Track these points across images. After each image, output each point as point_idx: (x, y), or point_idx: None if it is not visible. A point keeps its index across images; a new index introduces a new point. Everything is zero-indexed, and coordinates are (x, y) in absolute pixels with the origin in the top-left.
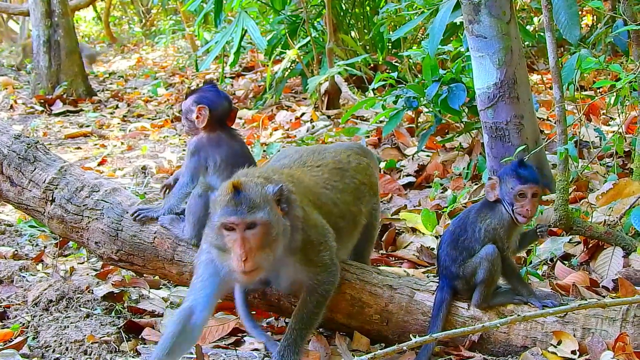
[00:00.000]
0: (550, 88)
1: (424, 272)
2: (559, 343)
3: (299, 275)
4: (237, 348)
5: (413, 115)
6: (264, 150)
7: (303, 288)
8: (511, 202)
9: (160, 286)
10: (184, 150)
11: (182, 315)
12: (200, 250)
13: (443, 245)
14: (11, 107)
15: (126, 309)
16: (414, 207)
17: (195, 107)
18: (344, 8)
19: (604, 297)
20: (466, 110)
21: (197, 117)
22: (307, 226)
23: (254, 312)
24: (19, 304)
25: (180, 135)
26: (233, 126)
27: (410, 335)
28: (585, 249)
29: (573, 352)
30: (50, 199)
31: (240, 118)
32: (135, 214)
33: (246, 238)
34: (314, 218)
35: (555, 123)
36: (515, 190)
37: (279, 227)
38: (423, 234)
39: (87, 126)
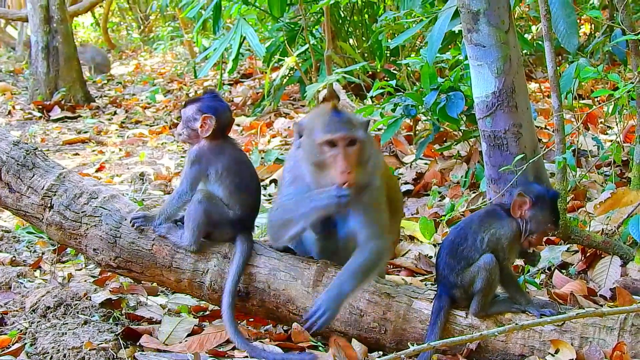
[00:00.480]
0: (549, 96)
1: (422, 280)
2: (557, 352)
3: (359, 226)
4: (234, 355)
5: (411, 123)
6: (262, 158)
7: (356, 245)
8: (536, 231)
9: (158, 293)
10: (182, 156)
11: None
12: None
13: (442, 254)
14: (9, 112)
15: (124, 316)
16: (412, 215)
17: (200, 116)
18: (343, 16)
19: (601, 306)
20: (464, 118)
21: (202, 127)
22: (379, 194)
23: (252, 319)
24: (17, 311)
25: (178, 142)
26: (230, 134)
27: (409, 343)
28: (583, 258)
29: None
30: (49, 205)
31: (238, 125)
32: (133, 223)
33: (347, 153)
34: (382, 183)
35: (553, 132)
36: (547, 227)
37: (371, 150)
38: (421, 242)
39: (85, 132)
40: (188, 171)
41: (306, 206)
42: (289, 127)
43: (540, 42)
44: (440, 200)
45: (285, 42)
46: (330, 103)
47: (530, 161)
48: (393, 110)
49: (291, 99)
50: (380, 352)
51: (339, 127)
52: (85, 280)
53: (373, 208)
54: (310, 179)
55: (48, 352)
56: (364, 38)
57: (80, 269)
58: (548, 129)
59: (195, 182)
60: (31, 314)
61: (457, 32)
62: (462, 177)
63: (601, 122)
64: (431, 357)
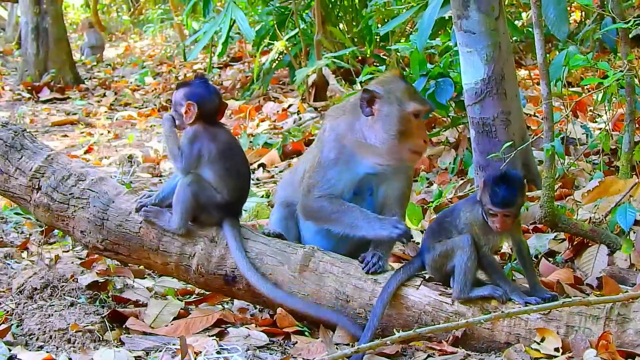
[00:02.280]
0: (538, 83)
1: None
2: (542, 340)
3: (392, 201)
4: (221, 339)
5: None
6: (251, 142)
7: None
8: (487, 213)
9: (145, 276)
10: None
11: None
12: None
13: (431, 224)
14: None
15: (110, 298)
16: None
17: (185, 102)
18: (333, 0)
19: (588, 294)
20: (453, 105)
21: (186, 113)
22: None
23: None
24: (4, 292)
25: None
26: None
27: (394, 329)
28: (570, 246)
29: (556, 350)
30: (37, 187)
31: (228, 108)
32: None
33: (424, 124)
34: None
35: (542, 119)
36: (486, 207)
37: None
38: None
39: (74, 114)
40: (187, 149)
41: (358, 222)
42: (277, 111)
43: (530, 29)
44: (428, 187)
45: (275, 26)
46: (395, 71)
47: (519, 148)
48: None
49: (280, 83)
50: None
51: (422, 97)
52: (72, 262)
53: (408, 182)
54: (383, 149)
55: (34, 334)
56: (354, 23)
57: (68, 251)
58: (537, 117)
59: (194, 161)
60: (18, 295)
61: (447, 18)
62: (450, 163)
63: (590, 110)
64: (377, 328)
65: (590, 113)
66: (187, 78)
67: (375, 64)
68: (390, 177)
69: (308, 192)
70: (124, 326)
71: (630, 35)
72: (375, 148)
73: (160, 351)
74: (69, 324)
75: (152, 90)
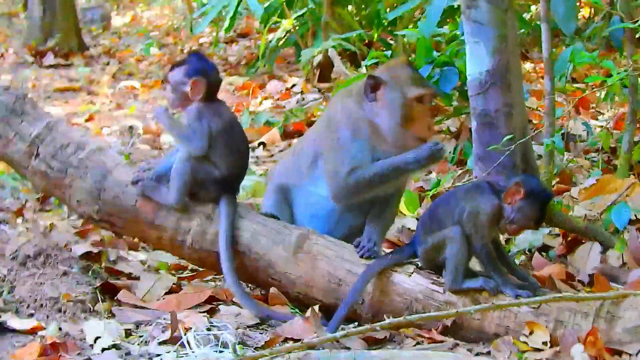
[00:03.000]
0: (542, 77)
1: None
2: (531, 333)
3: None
4: (211, 316)
5: None
6: (252, 119)
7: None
8: (518, 221)
9: (139, 249)
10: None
11: None
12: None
13: (423, 214)
14: (1, 55)
15: (103, 270)
16: None
17: (189, 79)
18: None
19: (579, 291)
20: (457, 94)
21: (193, 89)
22: None
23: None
24: None
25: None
26: (222, 93)
27: (385, 315)
28: (564, 242)
29: (544, 343)
30: (35, 153)
31: (231, 84)
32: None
33: (431, 109)
34: None
35: (544, 114)
36: (528, 224)
37: None
38: (405, 215)
39: (77, 81)
40: (198, 126)
41: (398, 165)
42: (281, 90)
43: (538, 23)
44: (426, 175)
45: (284, 4)
46: (403, 58)
47: (519, 142)
48: None
49: (286, 62)
50: (356, 323)
51: (427, 82)
52: (67, 231)
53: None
54: (388, 135)
55: (25, 301)
56: (362, 6)
57: (63, 219)
58: (539, 111)
59: (208, 137)
60: (11, 261)
61: (456, 6)
62: (450, 152)
63: (593, 108)
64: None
65: (593, 110)
66: (193, 50)
67: (381, 48)
68: None
69: (336, 174)
70: (115, 298)
71: (636, 36)
72: (382, 132)
73: (151, 325)
74: (60, 293)
75: (157, 62)
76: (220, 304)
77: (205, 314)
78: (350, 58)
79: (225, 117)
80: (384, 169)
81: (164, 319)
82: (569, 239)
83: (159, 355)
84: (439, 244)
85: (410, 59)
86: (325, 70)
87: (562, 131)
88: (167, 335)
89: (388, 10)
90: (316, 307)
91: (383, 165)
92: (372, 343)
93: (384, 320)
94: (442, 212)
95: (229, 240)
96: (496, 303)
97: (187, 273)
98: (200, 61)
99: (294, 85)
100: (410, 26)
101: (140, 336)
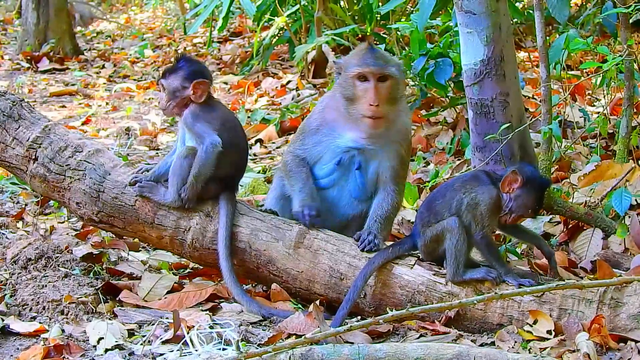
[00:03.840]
0: (537, 66)
1: None
2: (535, 322)
3: (387, 173)
4: (214, 314)
5: None
6: (248, 117)
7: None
8: (519, 209)
9: (140, 249)
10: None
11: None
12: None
13: (421, 206)
14: None
15: (104, 271)
16: None
17: (190, 83)
18: None
19: (581, 278)
20: (452, 85)
21: (195, 92)
22: (409, 129)
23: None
24: None
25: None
26: (218, 92)
27: (387, 308)
28: (565, 229)
29: (549, 332)
30: (33, 157)
31: (226, 83)
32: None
33: (378, 88)
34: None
35: (540, 102)
36: (528, 212)
37: (403, 89)
38: (404, 207)
39: (73, 85)
40: (200, 125)
41: (294, 187)
42: (276, 87)
43: (531, 12)
44: (424, 166)
45: (276, 1)
46: (366, 43)
47: (516, 130)
48: None
49: (280, 59)
50: (359, 317)
51: (371, 61)
52: (67, 234)
53: (401, 159)
54: (341, 113)
55: (27, 304)
56: (354, 1)
57: (63, 222)
58: (535, 99)
59: (214, 132)
60: (12, 265)
61: None
62: (447, 143)
63: (589, 94)
64: (354, 301)
65: (589, 97)
66: (186, 52)
67: (375, 42)
68: (379, 153)
69: (287, 147)
70: (117, 299)
71: (630, 20)
72: (349, 119)
73: (153, 324)
74: (62, 295)
75: (152, 63)
76: (222, 302)
77: (207, 312)
78: (344, 53)
79: (222, 115)
80: (292, 177)
81: (167, 318)
82: (570, 226)
83: (162, 354)
84: (438, 235)
85: (404, 50)
86: (319, 66)
87: (559, 118)
88: (170, 334)
89: (380, 4)
90: (318, 302)
91: (295, 176)
92: (376, 336)
93: (387, 313)
94: (439, 204)
95: (228, 239)
96: (499, 292)
97: (188, 271)
98: (194, 64)
99: (289, 82)
100: (403, 19)
101: (143, 336)
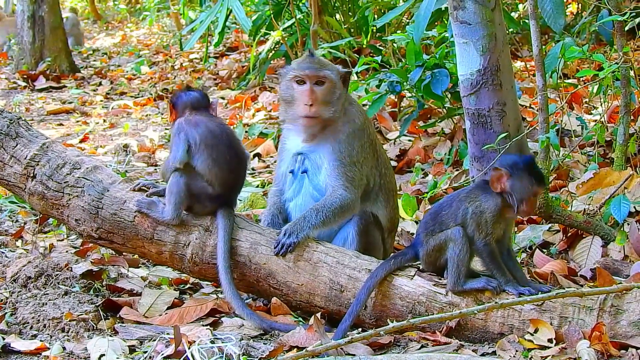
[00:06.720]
0: (534, 75)
1: None
2: (536, 331)
3: (329, 175)
4: (214, 328)
5: (396, 100)
6: (246, 131)
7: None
8: (522, 199)
9: (140, 265)
10: (166, 129)
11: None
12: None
13: (425, 216)
14: None
15: (105, 287)
16: None
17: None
18: None
19: (581, 286)
20: (449, 95)
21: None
22: (356, 130)
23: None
24: None
25: (162, 114)
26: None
27: (388, 320)
28: (564, 238)
29: (549, 340)
30: (32, 175)
31: (223, 98)
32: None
33: (314, 90)
34: (366, 137)
35: (537, 111)
36: (532, 190)
37: (339, 94)
38: (403, 218)
39: (70, 103)
40: (176, 139)
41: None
42: (273, 101)
43: (526, 21)
44: (423, 177)
45: (272, 16)
46: (308, 51)
47: (514, 140)
48: (378, 87)
49: (277, 73)
50: (360, 329)
51: (308, 66)
52: (67, 251)
53: (340, 156)
54: (288, 124)
55: (28, 322)
56: (350, 13)
57: (62, 240)
58: (532, 108)
59: (182, 149)
60: (12, 283)
61: (443, 9)
62: (445, 154)
63: (586, 102)
64: (358, 312)
65: (586, 105)
66: (183, 67)
67: (371, 54)
68: (319, 154)
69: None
70: (118, 315)
71: (625, 28)
72: (292, 128)
73: (154, 340)
74: (63, 313)
75: (148, 80)
76: (223, 316)
77: (208, 326)
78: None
79: (207, 128)
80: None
81: (167, 333)
82: (569, 234)
83: None
84: (441, 245)
85: (401, 62)
86: None
87: (557, 127)
88: (171, 349)
89: (376, 16)
90: (319, 315)
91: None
92: (377, 348)
93: (388, 324)
94: (445, 215)
95: (227, 253)
96: (500, 302)
97: (189, 286)
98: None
99: None
100: (399, 31)
101: (145, 352)
